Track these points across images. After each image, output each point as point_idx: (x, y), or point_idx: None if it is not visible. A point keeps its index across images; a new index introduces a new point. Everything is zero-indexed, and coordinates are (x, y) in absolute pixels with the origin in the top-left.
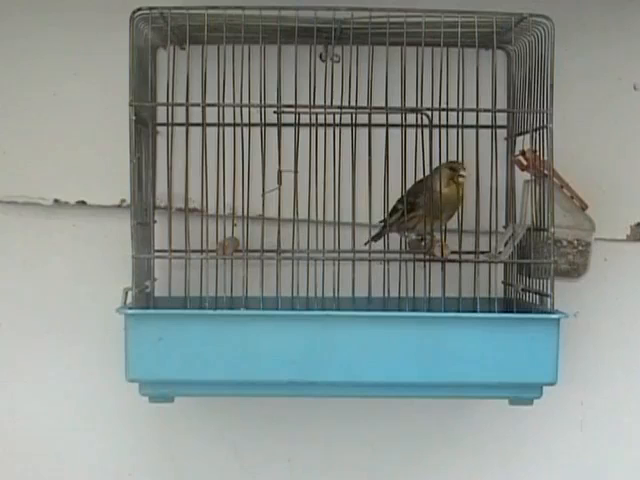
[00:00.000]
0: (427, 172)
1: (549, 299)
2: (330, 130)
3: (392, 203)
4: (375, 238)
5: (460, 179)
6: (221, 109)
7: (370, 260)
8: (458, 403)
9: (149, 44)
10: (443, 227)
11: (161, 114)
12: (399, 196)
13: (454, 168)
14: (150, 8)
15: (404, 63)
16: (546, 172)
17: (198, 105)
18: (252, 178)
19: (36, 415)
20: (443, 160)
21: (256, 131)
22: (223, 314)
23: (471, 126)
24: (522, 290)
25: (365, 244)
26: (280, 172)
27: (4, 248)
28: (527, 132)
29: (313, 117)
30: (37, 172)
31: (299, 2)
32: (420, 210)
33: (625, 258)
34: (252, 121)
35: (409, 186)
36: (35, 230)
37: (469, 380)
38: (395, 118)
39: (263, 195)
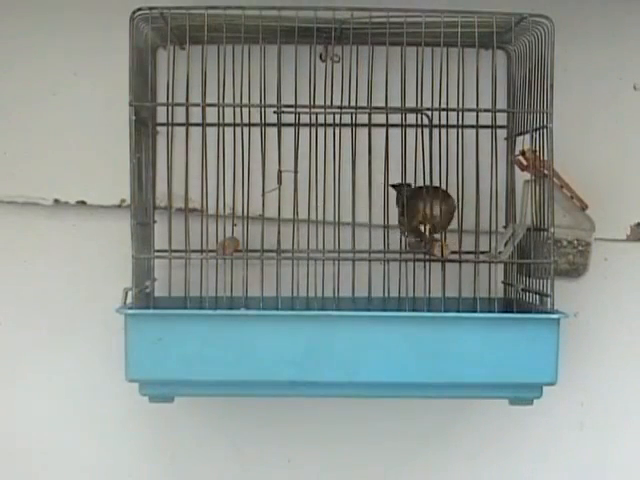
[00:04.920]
0: (427, 172)
1: (549, 299)
2: (330, 130)
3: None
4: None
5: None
6: (221, 109)
7: (370, 260)
8: (458, 403)
9: (149, 44)
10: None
11: (161, 114)
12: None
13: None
14: (150, 8)
15: (404, 63)
16: (546, 172)
17: (198, 105)
18: (252, 178)
19: (36, 415)
20: (443, 160)
21: (256, 131)
22: (223, 314)
23: (471, 126)
24: (522, 290)
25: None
26: (280, 172)
27: (4, 248)
28: (527, 132)
29: (313, 117)
30: (37, 172)
31: (299, 2)
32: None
33: (625, 258)
34: (252, 121)
35: (414, 185)
36: (35, 230)
37: (469, 380)
38: (395, 118)
39: (263, 195)
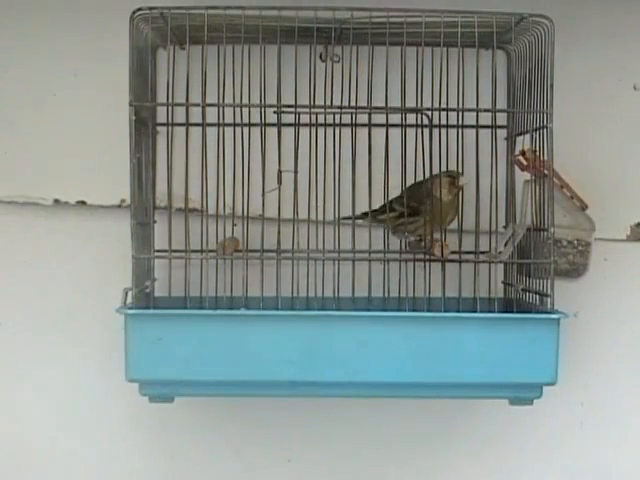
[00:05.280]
0: (427, 172)
1: (549, 299)
2: (330, 130)
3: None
4: (358, 217)
5: (460, 183)
6: (221, 109)
7: (370, 260)
8: (458, 403)
9: (149, 44)
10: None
11: (161, 114)
12: (395, 195)
13: (452, 176)
14: (150, 8)
15: (404, 63)
16: (546, 172)
17: (198, 105)
18: (252, 178)
19: (36, 415)
20: (443, 160)
21: (256, 131)
22: (223, 314)
23: (471, 126)
24: (522, 290)
25: (344, 218)
26: (280, 172)
27: (4, 248)
28: (527, 132)
29: (313, 117)
30: (37, 172)
31: (299, 2)
32: (423, 216)
33: (625, 258)
34: (252, 121)
35: (407, 186)
36: (35, 230)
37: (469, 380)
38: (395, 118)
39: (263, 195)
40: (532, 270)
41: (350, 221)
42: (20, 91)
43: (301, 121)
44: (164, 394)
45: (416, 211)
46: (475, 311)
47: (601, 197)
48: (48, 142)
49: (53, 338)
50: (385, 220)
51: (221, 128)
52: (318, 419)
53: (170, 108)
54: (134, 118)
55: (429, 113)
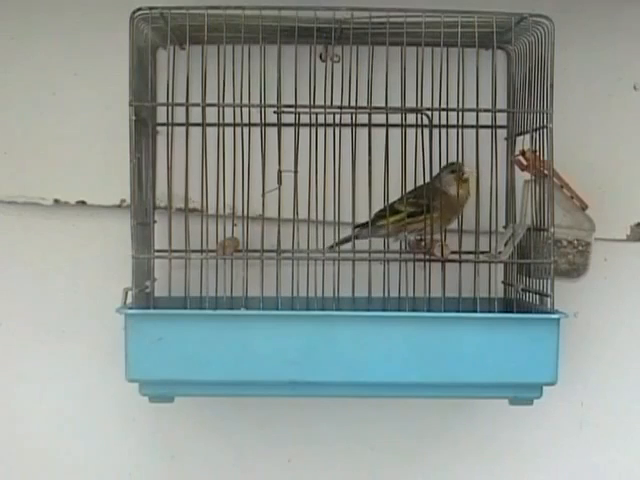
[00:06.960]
0: (427, 172)
1: (549, 299)
2: (330, 130)
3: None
4: (358, 236)
5: (464, 176)
6: (221, 109)
7: (370, 260)
8: (458, 403)
9: (149, 44)
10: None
11: (161, 114)
12: (396, 196)
13: (455, 170)
14: (150, 8)
15: (404, 63)
16: (546, 172)
17: (198, 105)
18: (252, 178)
19: (36, 415)
20: (443, 160)
21: (256, 131)
22: (223, 314)
23: (471, 126)
24: (522, 290)
25: (334, 245)
26: (280, 172)
27: (4, 248)
28: (527, 132)
29: (313, 117)
30: (37, 172)
31: (299, 2)
32: (436, 212)
33: (625, 258)
34: (252, 121)
35: (411, 187)
36: (35, 230)
37: (469, 380)
38: (395, 118)
39: (263, 195)
40: (532, 270)
41: (350, 220)
42: (20, 91)
43: (301, 121)
44: (164, 394)
45: (428, 208)
46: (475, 311)
47: (601, 197)
48: (48, 142)
49: (53, 338)
50: (385, 225)
51: (221, 128)
52: (318, 419)
53: (170, 108)
54: (134, 118)
55: (429, 113)
